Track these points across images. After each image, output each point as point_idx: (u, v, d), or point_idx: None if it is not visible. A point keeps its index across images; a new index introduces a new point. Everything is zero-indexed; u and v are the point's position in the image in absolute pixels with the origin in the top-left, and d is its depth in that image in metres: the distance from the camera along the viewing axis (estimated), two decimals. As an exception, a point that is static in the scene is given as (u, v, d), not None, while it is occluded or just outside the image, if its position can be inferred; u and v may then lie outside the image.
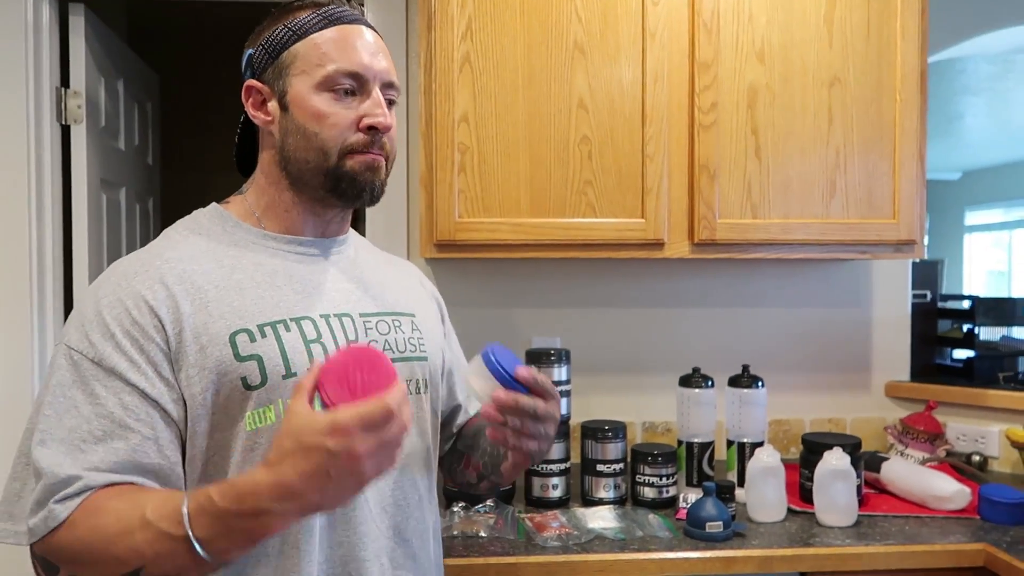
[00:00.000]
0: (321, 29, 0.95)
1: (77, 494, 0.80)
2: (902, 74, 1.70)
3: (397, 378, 0.78)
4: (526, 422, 0.94)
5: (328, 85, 0.94)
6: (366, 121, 0.94)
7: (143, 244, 2.51)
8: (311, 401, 0.76)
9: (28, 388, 1.86)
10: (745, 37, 1.67)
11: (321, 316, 0.95)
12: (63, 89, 1.95)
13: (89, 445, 0.82)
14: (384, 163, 0.98)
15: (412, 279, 1.19)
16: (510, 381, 0.93)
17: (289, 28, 0.96)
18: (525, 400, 0.93)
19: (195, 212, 1.02)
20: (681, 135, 1.68)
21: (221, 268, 0.93)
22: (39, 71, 1.88)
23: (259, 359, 0.88)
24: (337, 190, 0.97)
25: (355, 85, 0.95)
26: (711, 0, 1.65)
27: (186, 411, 0.87)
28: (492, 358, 0.94)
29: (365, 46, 0.96)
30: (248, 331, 0.89)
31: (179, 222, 1.01)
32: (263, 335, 0.89)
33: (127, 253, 2.29)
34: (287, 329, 0.91)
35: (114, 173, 2.20)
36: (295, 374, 0.89)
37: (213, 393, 0.87)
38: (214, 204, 1.02)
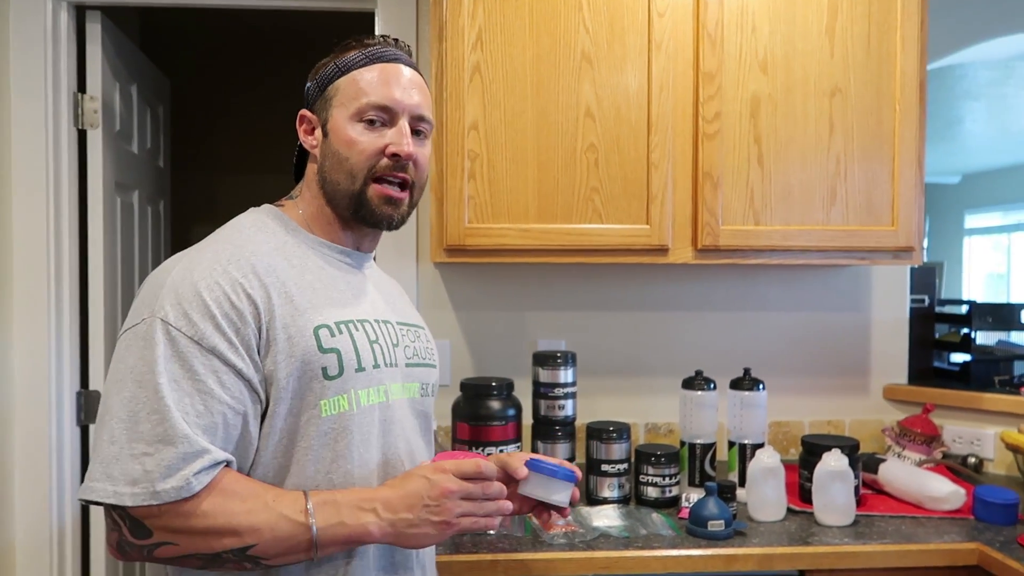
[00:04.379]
0: (362, 66, 1.06)
1: (208, 468, 0.88)
2: (901, 84, 1.74)
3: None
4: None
5: (360, 116, 1.04)
6: (390, 149, 1.04)
7: (155, 245, 2.56)
8: None
9: (45, 385, 1.90)
10: (748, 48, 1.71)
11: (375, 320, 1.07)
12: (80, 94, 1.99)
13: (191, 418, 0.88)
14: (407, 197, 1.08)
15: (407, 297, 1.30)
16: (571, 477, 1.09)
17: (337, 65, 1.07)
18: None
19: (252, 211, 1.09)
20: (685, 143, 1.72)
21: (293, 267, 1.01)
22: (57, 77, 1.92)
23: (338, 352, 0.98)
24: (358, 215, 1.07)
25: (385, 117, 1.05)
26: (715, 12, 1.69)
27: (268, 393, 0.95)
28: (549, 466, 1.08)
29: (398, 82, 1.06)
30: (328, 327, 0.99)
31: (243, 218, 1.07)
32: (340, 332, 1.00)
33: (140, 254, 2.35)
34: (356, 329, 1.02)
35: (128, 176, 2.24)
36: (364, 369, 1.01)
37: (296, 379, 0.95)
38: (270, 206, 1.10)
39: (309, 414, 0.96)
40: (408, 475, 0.98)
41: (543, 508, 1.12)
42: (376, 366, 1.03)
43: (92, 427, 2.01)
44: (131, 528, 0.88)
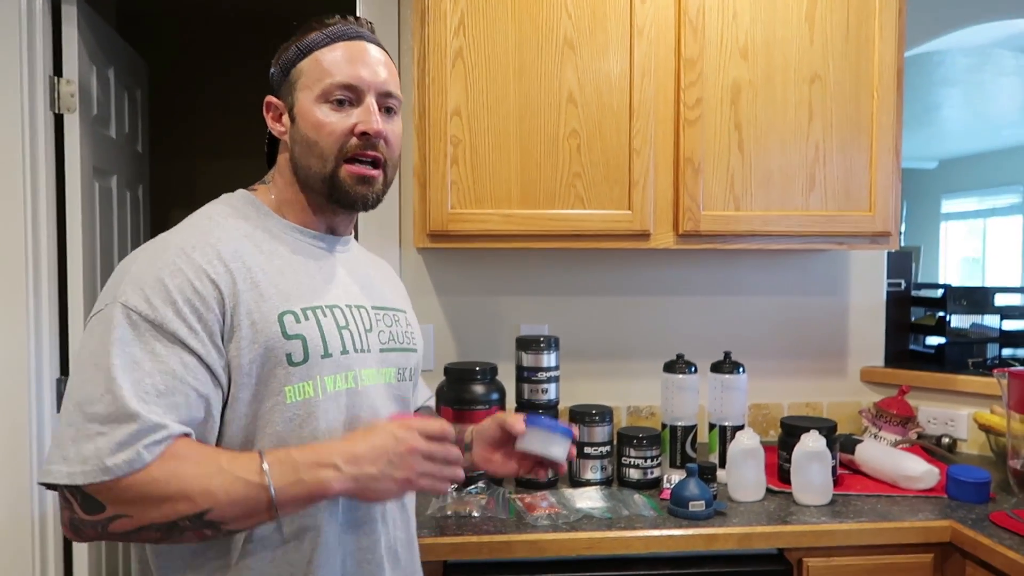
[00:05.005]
0: (325, 46, 1.04)
1: (160, 440, 0.86)
2: (879, 71, 1.76)
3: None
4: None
5: (326, 97, 1.03)
6: (358, 128, 1.03)
7: (134, 231, 2.53)
8: None
9: (25, 372, 1.88)
10: (729, 35, 1.72)
11: (346, 306, 1.06)
12: (56, 78, 1.96)
13: (152, 397, 0.87)
14: (380, 175, 1.06)
15: (395, 278, 1.29)
16: (568, 432, 1.14)
17: (299, 47, 1.05)
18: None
19: (225, 197, 1.08)
20: (667, 129, 1.73)
21: (261, 253, 1.00)
22: (33, 60, 1.89)
23: (303, 339, 0.97)
24: (333, 197, 1.05)
25: (351, 96, 1.03)
26: (697, -2, 1.69)
27: (230, 379, 0.94)
28: (546, 422, 1.13)
29: (362, 60, 1.04)
30: (294, 313, 0.98)
31: (213, 205, 1.06)
32: (306, 318, 0.99)
33: (119, 240, 2.33)
34: (324, 315, 1.01)
35: (106, 161, 2.22)
36: (331, 355, 1.00)
37: (259, 366, 0.95)
38: (243, 191, 1.09)
39: (273, 400, 0.96)
40: (372, 429, 0.97)
41: (540, 466, 1.15)
42: (344, 352, 1.02)
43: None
44: (83, 504, 0.86)
